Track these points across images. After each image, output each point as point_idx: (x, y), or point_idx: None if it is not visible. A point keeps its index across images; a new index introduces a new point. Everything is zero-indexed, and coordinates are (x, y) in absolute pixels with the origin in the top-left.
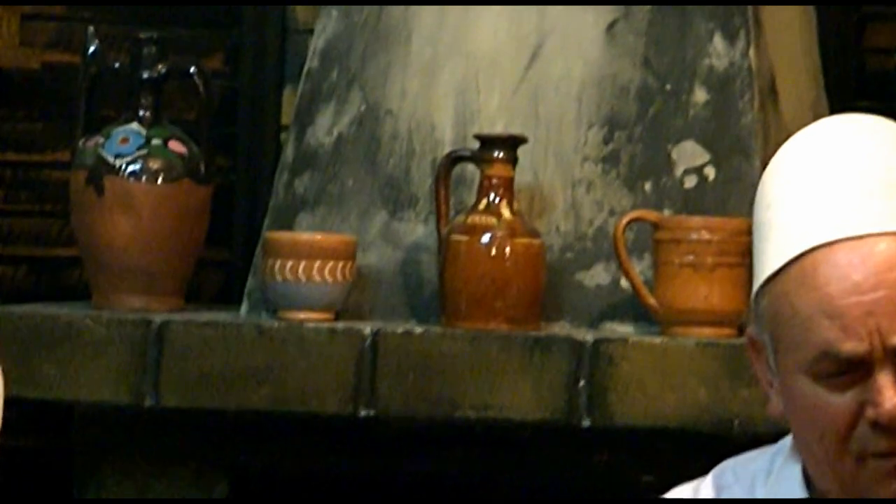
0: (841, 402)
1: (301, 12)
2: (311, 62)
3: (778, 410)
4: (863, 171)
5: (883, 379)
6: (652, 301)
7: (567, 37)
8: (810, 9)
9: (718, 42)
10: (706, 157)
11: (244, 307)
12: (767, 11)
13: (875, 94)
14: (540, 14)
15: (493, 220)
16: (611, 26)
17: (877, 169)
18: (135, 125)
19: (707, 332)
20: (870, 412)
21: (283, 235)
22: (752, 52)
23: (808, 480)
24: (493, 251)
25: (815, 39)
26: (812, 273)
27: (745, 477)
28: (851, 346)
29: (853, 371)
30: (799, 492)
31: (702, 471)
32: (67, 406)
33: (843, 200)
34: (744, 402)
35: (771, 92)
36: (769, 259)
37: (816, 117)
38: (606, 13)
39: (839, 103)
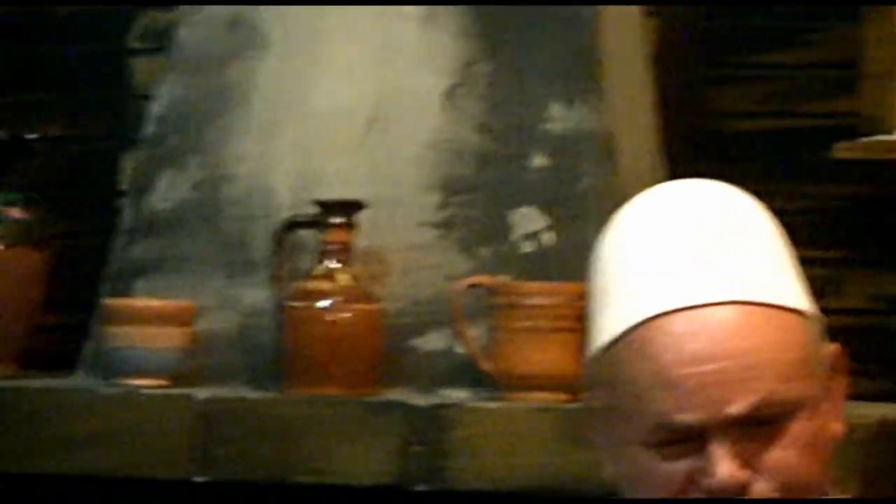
0: (675, 470)
1: (140, 75)
2: (149, 127)
3: (612, 475)
4: (699, 238)
5: (717, 449)
6: (488, 366)
7: (406, 100)
8: (649, 71)
9: (557, 106)
10: (544, 221)
11: (80, 373)
12: (607, 74)
13: (715, 156)
14: (379, 76)
15: (330, 286)
16: (450, 90)
17: (713, 236)
18: None
19: (544, 397)
20: (703, 482)
21: (119, 302)
22: (590, 115)
23: None
24: (330, 317)
25: (654, 102)
26: (648, 343)
27: None
28: (686, 417)
29: (688, 441)
30: None
31: None
32: None
33: (679, 269)
34: (579, 465)
35: (609, 155)
36: (605, 328)
37: (654, 180)
38: (446, 77)
39: (680, 166)
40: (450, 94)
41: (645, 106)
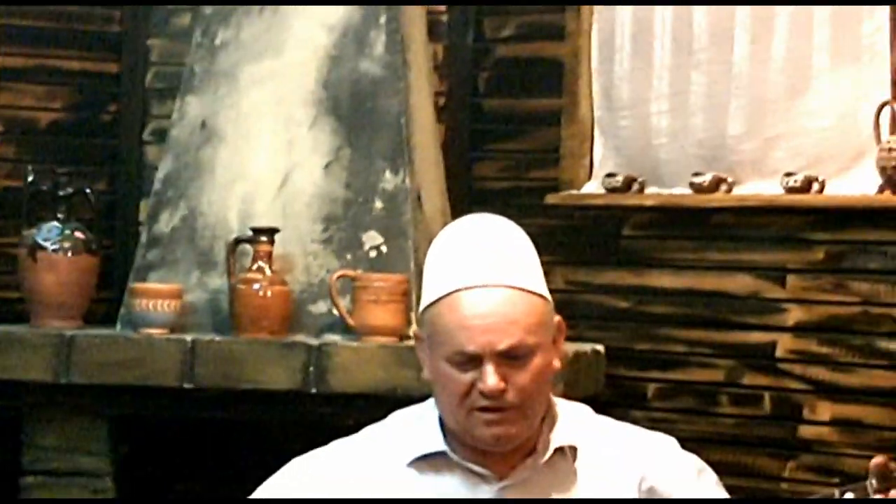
0: (464, 377)
1: (151, 155)
2: (156, 185)
3: (428, 378)
4: (485, 246)
5: (488, 367)
6: (351, 322)
7: (303, 171)
8: (440, 151)
9: (388, 173)
10: (381, 239)
11: (118, 326)
12: (416, 153)
13: (480, 204)
14: (288, 157)
15: (260, 276)
16: (327, 165)
17: (493, 246)
18: (55, 223)
19: (383, 340)
20: (479, 385)
21: (140, 285)
22: (407, 178)
23: (441, 423)
24: (261, 293)
25: (443, 170)
26: (455, 303)
27: (406, 421)
28: (473, 348)
29: (472, 361)
30: (437, 432)
31: (384, 416)
32: (14, 383)
33: (472, 264)
34: (405, 378)
35: (419, 201)
36: (431, 292)
37: (444, 218)
38: (325, 157)
39: (458, 209)
40: (327, 167)
41: (438, 172)
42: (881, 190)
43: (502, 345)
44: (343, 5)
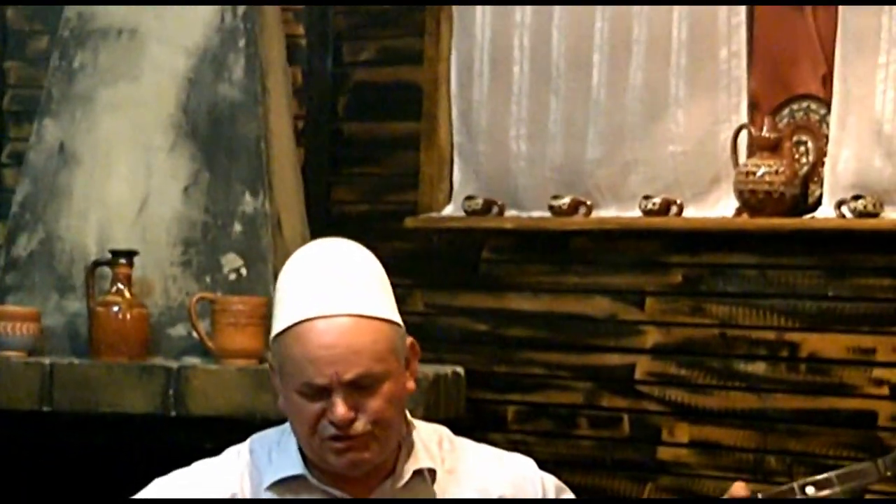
0: (314, 407)
1: (8, 179)
2: (13, 209)
3: (282, 406)
4: (333, 274)
5: (336, 399)
6: (210, 345)
7: (161, 195)
8: (299, 176)
9: (247, 196)
10: (241, 262)
11: None
12: (275, 178)
13: (339, 228)
14: (146, 182)
15: (119, 298)
16: (186, 189)
17: (342, 273)
18: None
19: (243, 363)
20: (328, 415)
21: None
22: (266, 202)
23: (301, 449)
24: (119, 316)
25: (302, 195)
26: (302, 334)
27: (265, 444)
28: (320, 380)
29: (321, 392)
30: (295, 456)
31: (243, 439)
32: None
33: (320, 292)
34: (264, 402)
35: (278, 225)
36: (280, 322)
37: (303, 241)
38: (183, 181)
39: (317, 233)
40: (186, 191)
41: (297, 196)
42: (738, 213)
43: (349, 375)
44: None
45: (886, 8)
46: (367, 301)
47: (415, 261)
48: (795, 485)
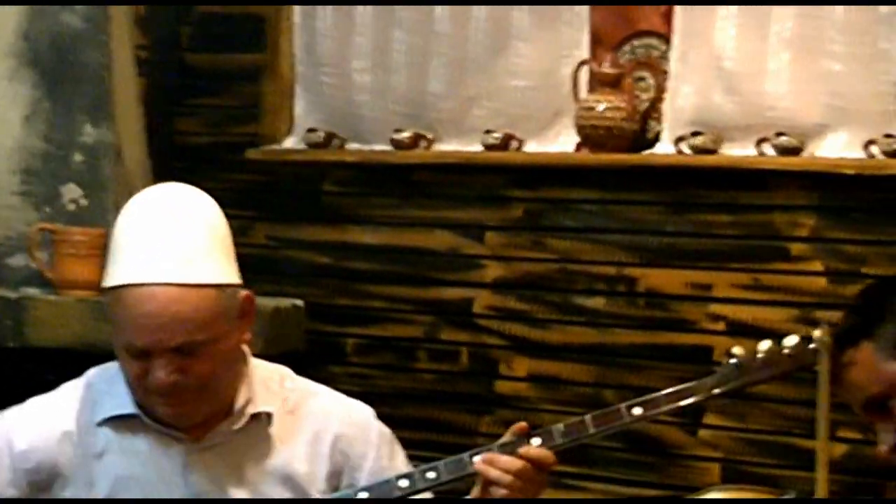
0: (138, 365)
1: None
2: None
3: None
4: (165, 235)
5: (157, 362)
6: (50, 275)
7: (1, 121)
8: (141, 106)
9: (89, 126)
10: (81, 192)
11: None
12: (117, 108)
13: (182, 159)
14: None
15: None
16: (26, 118)
17: (174, 235)
18: None
19: (83, 294)
20: (150, 377)
21: None
22: (108, 133)
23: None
24: None
25: (144, 125)
26: (126, 298)
27: (103, 378)
28: (142, 343)
29: (145, 354)
30: (125, 390)
31: (81, 371)
32: None
33: (148, 255)
34: (104, 333)
35: (119, 155)
36: (110, 277)
37: (144, 172)
38: (24, 108)
39: (159, 163)
40: (26, 120)
41: (140, 127)
42: (578, 148)
43: (171, 343)
44: None
45: None
46: (196, 267)
47: (256, 193)
48: (623, 406)
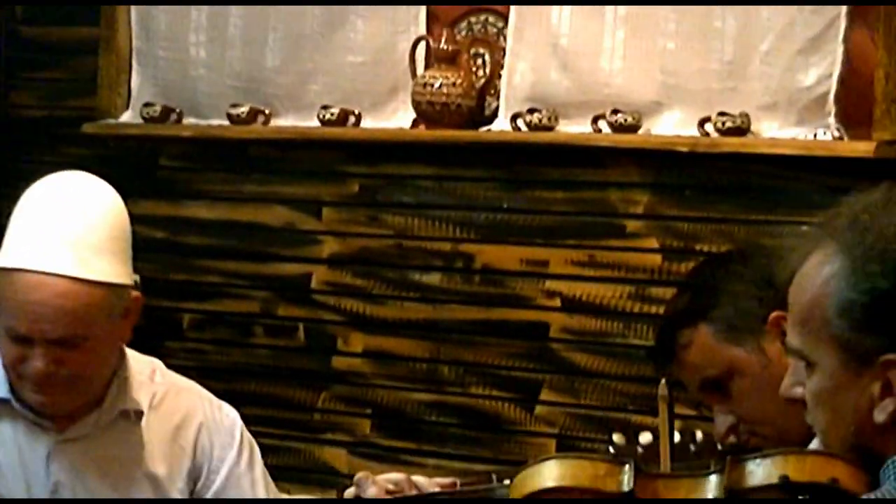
0: (16, 349)
1: None
2: None
3: None
4: (63, 224)
5: (36, 351)
6: None
7: None
8: None
9: None
10: None
11: None
12: None
13: (16, 132)
14: None
15: None
16: None
17: (75, 225)
18: None
19: None
20: (28, 364)
21: None
22: None
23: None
24: None
25: None
26: (14, 283)
27: None
28: (25, 330)
29: (25, 340)
30: (3, 379)
31: None
32: None
33: (44, 242)
34: None
35: None
36: (4, 256)
37: None
38: None
39: None
40: None
41: None
42: (415, 124)
43: (53, 334)
44: None
45: None
46: (92, 264)
47: (92, 167)
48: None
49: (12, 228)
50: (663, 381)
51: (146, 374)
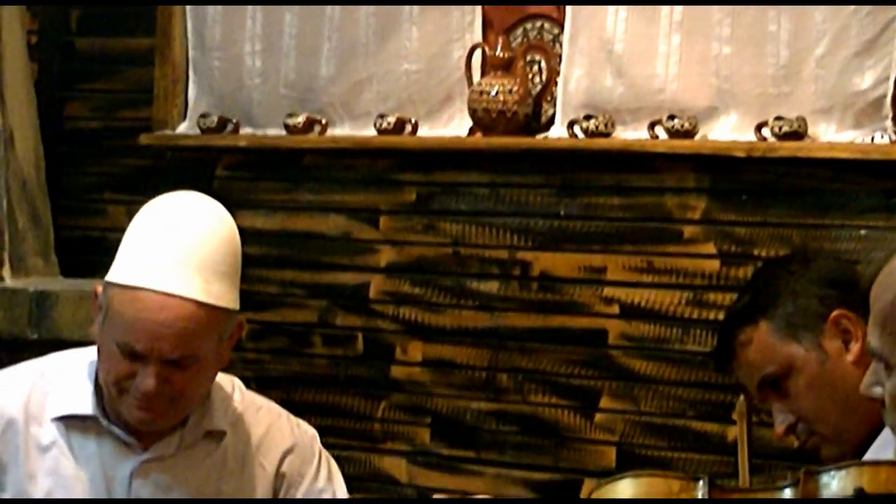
0: (126, 365)
1: None
2: None
3: (95, 336)
4: (191, 247)
5: (148, 369)
6: None
7: None
8: (32, 90)
9: None
10: None
11: None
12: (8, 92)
13: (73, 145)
14: None
15: None
16: None
17: (199, 249)
18: None
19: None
20: (137, 380)
21: None
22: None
23: (97, 382)
24: None
25: (35, 109)
26: (139, 300)
27: (62, 369)
28: (142, 348)
29: (139, 357)
30: (91, 394)
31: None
32: None
33: (169, 263)
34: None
35: (10, 140)
36: (123, 272)
37: (37, 158)
38: None
39: (50, 150)
40: None
41: (31, 112)
42: (471, 132)
43: (171, 354)
44: None
45: None
46: (213, 287)
47: (149, 177)
48: None
49: (131, 246)
50: (742, 397)
51: (227, 392)
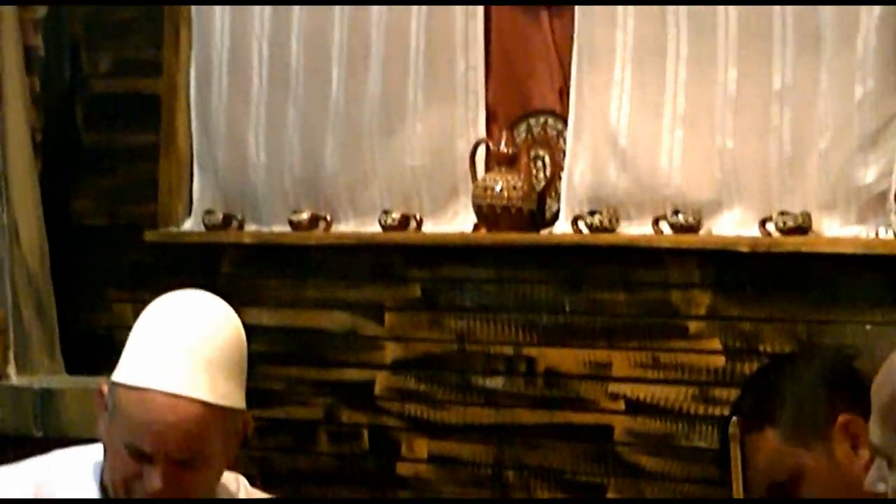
0: (132, 464)
1: None
2: None
3: (101, 437)
4: (197, 346)
5: (155, 469)
6: None
7: None
8: (36, 182)
9: None
10: None
11: None
12: (15, 184)
13: (79, 241)
14: None
15: None
16: None
17: (205, 348)
18: None
19: None
20: (144, 480)
21: None
22: (4, 213)
23: (101, 477)
24: None
25: (40, 205)
26: (146, 401)
27: (66, 466)
28: (150, 449)
29: (145, 457)
30: (91, 486)
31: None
32: None
33: (178, 363)
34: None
35: (16, 235)
36: (129, 372)
37: (42, 254)
38: None
39: (55, 246)
40: None
41: (36, 207)
42: (476, 227)
43: (179, 455)
44: None
45: (620, 22)
46: (220, 387)
47: (154, 274)
48: None
49: (138, 345)
50: (734, 418)
51: (232, 490)
